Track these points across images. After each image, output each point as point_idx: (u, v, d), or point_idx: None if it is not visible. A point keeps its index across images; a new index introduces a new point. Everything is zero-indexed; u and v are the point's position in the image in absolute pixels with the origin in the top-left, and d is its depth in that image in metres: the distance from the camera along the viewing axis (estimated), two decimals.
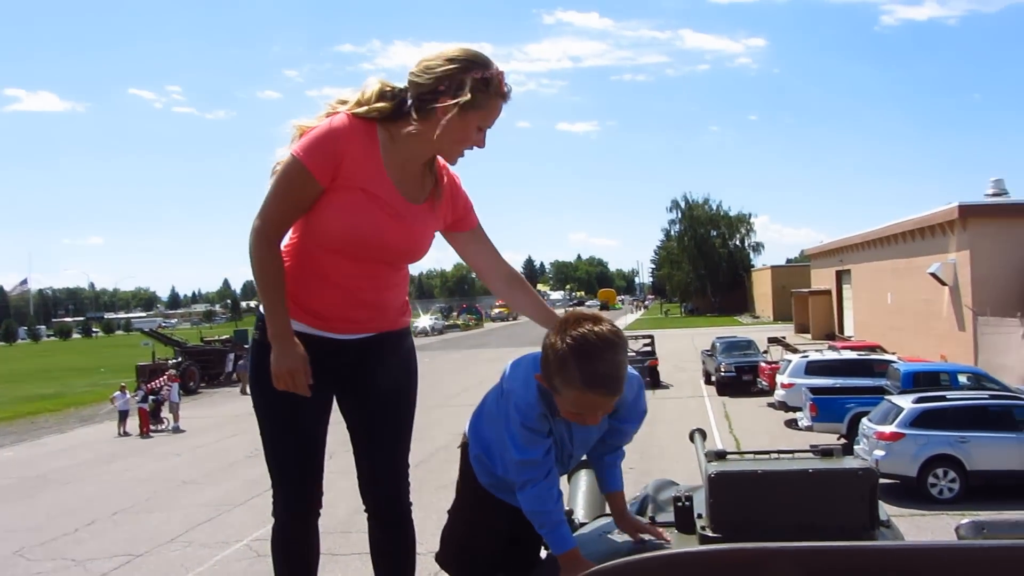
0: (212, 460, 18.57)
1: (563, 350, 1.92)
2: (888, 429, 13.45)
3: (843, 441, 16.52)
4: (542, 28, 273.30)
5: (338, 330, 2.52)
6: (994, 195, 31.11)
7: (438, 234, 2.64)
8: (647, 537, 2.09)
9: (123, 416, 23.62)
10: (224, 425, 24.01)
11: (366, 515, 2.71)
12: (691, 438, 3.30)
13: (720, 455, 2.10)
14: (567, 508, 3.13)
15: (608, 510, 2.36)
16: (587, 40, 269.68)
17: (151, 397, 24.40)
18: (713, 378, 26.53)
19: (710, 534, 1.95)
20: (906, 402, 13.84)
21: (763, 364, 24.65)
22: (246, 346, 31.27)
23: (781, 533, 1.89)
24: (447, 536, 2.37)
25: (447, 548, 2.36)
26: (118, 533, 12.86)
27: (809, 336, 44.31)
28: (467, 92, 2.24)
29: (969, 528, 1.80)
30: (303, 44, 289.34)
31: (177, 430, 23.79)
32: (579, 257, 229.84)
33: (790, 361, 21.12)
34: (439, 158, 2.50)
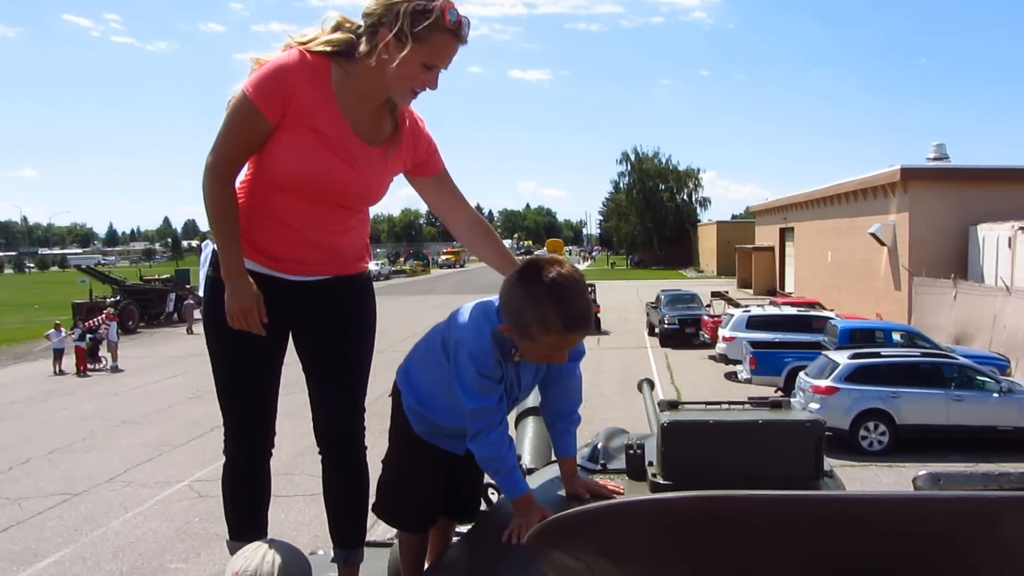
0: (152, 401, 18.31)
1: (541, 298, 1.88)
2: (824, 383, 13.84)
3: (780, 394, 16.96)
4: None
5: (290, 271, 2.47)
6: (935, 159, 31.76)
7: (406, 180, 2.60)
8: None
9: (58, 354, 23.09)
10: (164, 366, 23.65)
11: (320, 455, 2.68)
12: (639, 388, 3.34)
13: (673, 404, 2.12)
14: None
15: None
16: None
17: (88, 336, 23.84)
18: (657, 330, 26.89)
19: (661, 481, 1.98)
20: (842, 358, 14.23)
21: (706, 317, 25.06)
22: (188, 286, 30.79)
23: (730, 481, 1.93)
24: (383, 486, 2.35)
25: (384, 498, 2.33)
26: (54, 472, 12.66)
27: (751, 291, 45.17)
28: (401, 22, 2.15)
29: (926, 479, 1.84)
30: None
31: (115, 369, 23.37)
32: (528, 206, 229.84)
33: (732, 315, 21.52)
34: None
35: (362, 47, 2.26)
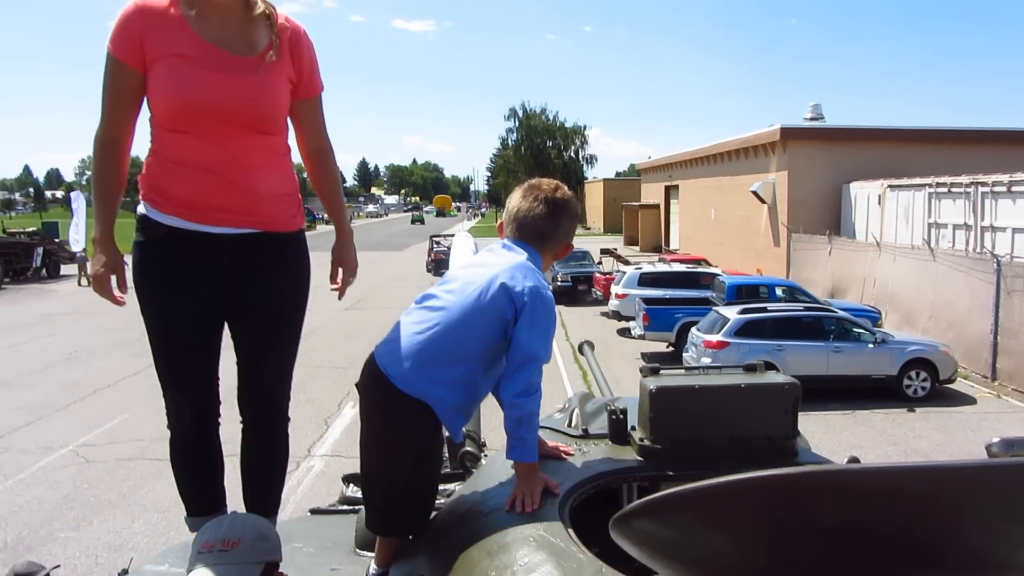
0: (25, 362, 17.26)
1: (573, 209, 2.23)
2: (715, 338, 14.37)
3: (672, 349, 17.53)
4: None
5: (212, 220, 2.38)
6: (812, 119, 33.12)
7: None
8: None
9: None
10: (35, 324, 22.33)
11: (241, 421, 2.61)
12: (580, 350, 3.36)
13: (654, 370, 2.13)
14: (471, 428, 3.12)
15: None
16: None
17: None
18: (550, 287, 27.18)
19: (649, 445, 2.00)
20: (731, 313, 14.79)
21: (597, 274, 25.53)
22: (56, 240, 29.11)
23: (715, 443, 1.98)
24: (385, 502, 2.10)
25: (389, 514, 2.10)
26: None
27: (638, 248, 46.29)
28: None
29: (1000, 446, 1.93)
30: None
31: None
32: (414, 161, 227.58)
33: (624, 272, 21.98)
34: (276, 15, 2.43)
35: None
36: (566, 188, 2.22)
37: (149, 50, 2.28)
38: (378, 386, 2.02)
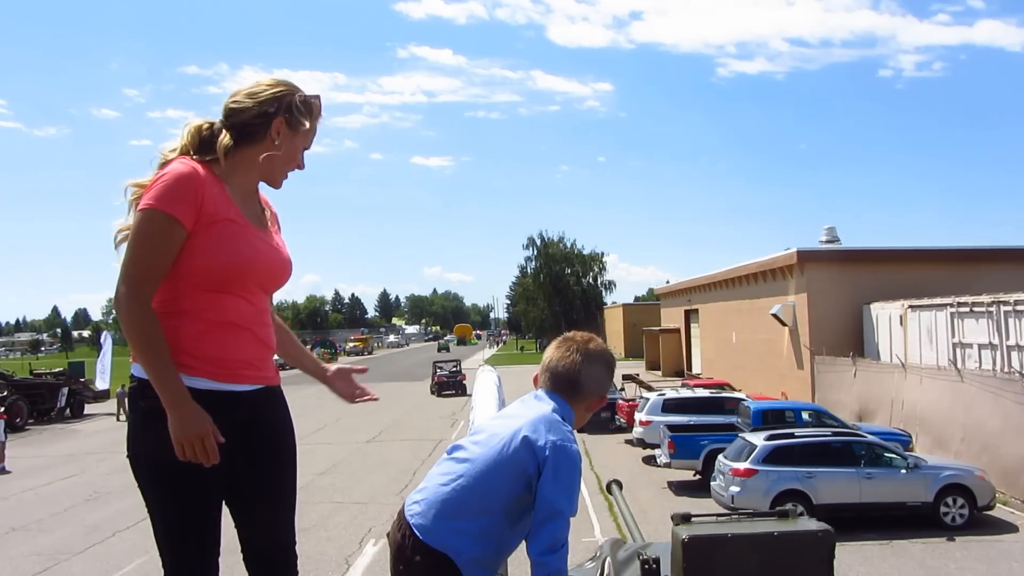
0: (45, 505, 17.11)
1: (607, 360, 2.23)
2: (743, 466, 14.07)
3: (699, 477, 17.16)
4: (396, 62, 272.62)
5: (240, 378, 2.44)
6: (827, 241, 33.41)
7: None
8: None
9: None
10: (57, 466, 22.26)
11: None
12: (608, 490, 3.31)
13: (686, 518, 2.12)
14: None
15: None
16: (441, 76, 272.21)
17: None
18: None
19: None
20: (758, 439, 14.54)
21: (620, 401, 25.31)
22: (82, 379, 29.32)
23: None
24: None
25: None
26: None
27: (660, 372, 46.02)
28: (293, 111, 2.45)
29: None
30: (145, 62, 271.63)
31: (3, 471, 21.85)
32: (435, 291, 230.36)
33: (647, 399, 21.77)
34: (260, 192, 2.62)
35: (225, 140, 2.43)
36: (600, 340, 2.25)
37: (204, 213, 2.33)
38: (404, 538, 2.04)
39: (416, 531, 2.01)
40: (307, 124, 2.48)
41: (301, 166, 2.55)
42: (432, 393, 40.26)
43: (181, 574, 2.44)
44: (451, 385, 40.13)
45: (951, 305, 21.33)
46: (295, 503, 2.67)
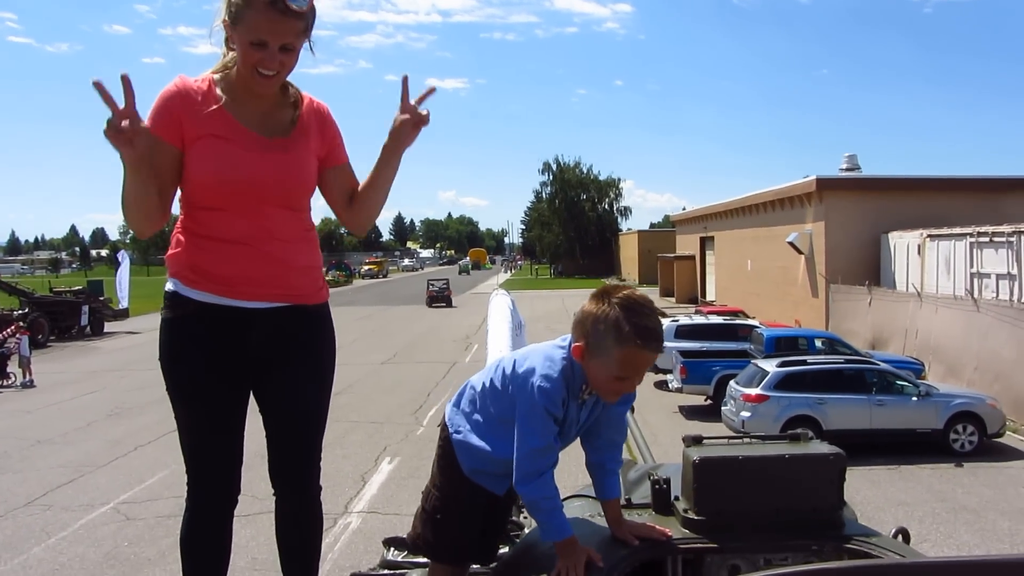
0: (69, 419, 17.54)
1: (615, 311, 1.95)
2: (754, 391, 14.18)
3: (710, 402, 17.33)
4: None
5: (245, 295, 2.43)
6: (848, 169, 32.97)
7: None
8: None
9: None
10: (81, 381, 22.72)
11: (273, 493, 2.64)
12: None
13: (697, 440, 2.14)
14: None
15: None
16: None
17: None
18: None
19: (694, 517, 2.00)
20: (770, 366, 14.61)
21: None
22: (102, 298, 29.53)
23: (761, 514, 1.97)
24: (422, 516, 2.31)
25: (422, 528, 2.30)
26: None
27: (673, 299, 46.04)
28: (226, 11, 2.29)
29: None
30: None
31: (27, 385, 22.33)
32: (449, 215, 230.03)
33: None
34: (305, 96, 2.53)
35: (224, 49, 2.43)
36: (631, 292, 2.04)
37: (188, 128, 2.34)
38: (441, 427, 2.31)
39: (446, 420, 2.29)
40: (241, 21, 2.24)
41: (265, 66, 2.29)
42: (427, 305, 48.09)
43: (198, 481, 2.52)
44: (440, 298, 48.50)
45: (971, 235, 21.09)
46: (321, 430, 2.63)
